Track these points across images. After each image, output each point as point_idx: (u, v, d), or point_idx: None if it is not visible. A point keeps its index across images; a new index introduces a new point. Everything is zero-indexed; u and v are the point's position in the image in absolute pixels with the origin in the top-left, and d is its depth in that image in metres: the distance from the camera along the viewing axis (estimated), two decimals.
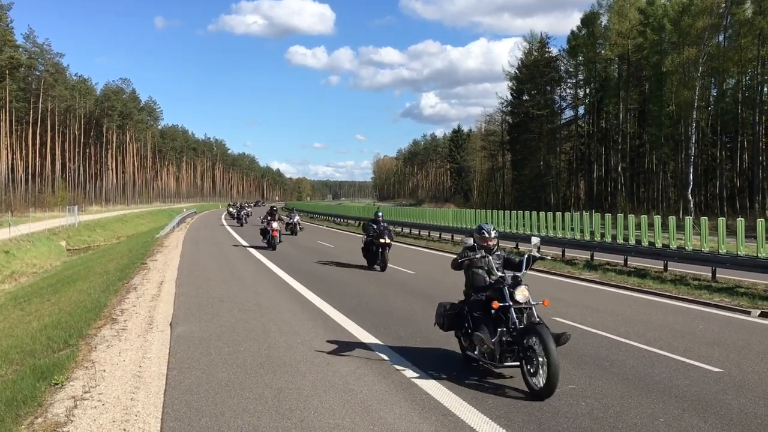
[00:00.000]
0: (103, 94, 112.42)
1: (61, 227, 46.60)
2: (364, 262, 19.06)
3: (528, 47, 79.96)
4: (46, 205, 73.82)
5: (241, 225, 45.61)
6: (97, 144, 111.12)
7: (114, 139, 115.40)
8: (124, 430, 5.43)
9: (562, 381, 6.51)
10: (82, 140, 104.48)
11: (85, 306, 12.39)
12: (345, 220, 53.57)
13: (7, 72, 76.61)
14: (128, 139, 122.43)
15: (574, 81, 75.57)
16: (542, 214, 24.38)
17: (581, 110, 76.07)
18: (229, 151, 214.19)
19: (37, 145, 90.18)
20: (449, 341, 8.96)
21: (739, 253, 15.48)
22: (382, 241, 18.40)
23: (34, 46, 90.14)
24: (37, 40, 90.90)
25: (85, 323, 10.14)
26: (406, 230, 37.07)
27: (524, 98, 79.07)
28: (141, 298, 12.59)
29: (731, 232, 17.08)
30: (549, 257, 12.33)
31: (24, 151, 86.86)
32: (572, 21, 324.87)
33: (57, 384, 6.66)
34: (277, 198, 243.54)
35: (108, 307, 11.64)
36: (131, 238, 45.24)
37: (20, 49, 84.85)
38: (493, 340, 6.79)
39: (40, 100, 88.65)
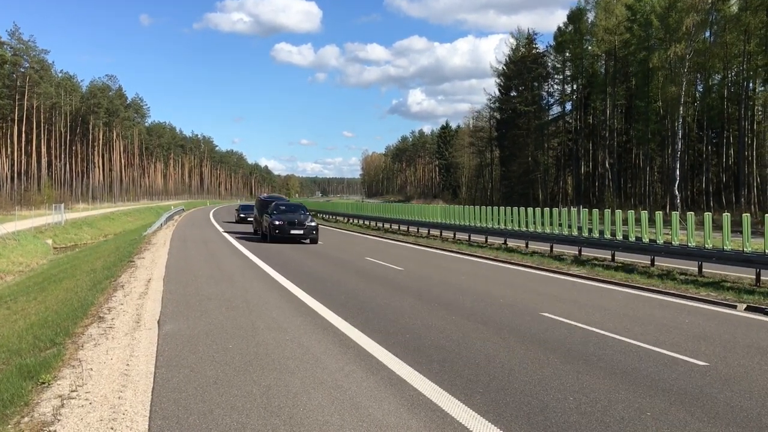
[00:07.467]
0: (89, 92, 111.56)
1: (48, 225, 46.21)
2: (353, 259, 19.02)
3: (515, 43, 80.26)
4: (32, 203, 73.12)
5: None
6: (84, 141, 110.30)
7: (100, 137, 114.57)
8: (112, 428, 5.40)
9: (550, 384, 6.61)
10: (68, 138, 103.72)
11: (72, 304, 12.30)
12: (334, 217, 53.57)
13: None
14: (115, 137, 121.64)
15: (561, 77, 75.91)
16: (530, 209, 24.45)
17: (568, 106, 76.43)
18: (217, 148, 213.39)
19: (23, 143, 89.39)
20: (428, 336, 8.99)
21: (725, 247, 15.60)
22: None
23: (19, 42, 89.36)
24: (22, 36, 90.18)
25: (72, 322, 10.07)
26: (395, 227, 37.10)
27: (512, 94, 79.32)
28: (128, 296, 12.52)
29: (717, 226, 17.21)
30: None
31: (9, 149, 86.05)
32: (556, 18, 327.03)
33: (44, 383, 6.60)
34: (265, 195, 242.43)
35: (95, 305, 11.56)
36: (118, 235, 44.96)
37: (5, 46, 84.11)
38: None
39: (26, 97, 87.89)
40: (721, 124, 58.43)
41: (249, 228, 35.55)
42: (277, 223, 26.63)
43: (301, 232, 26.65)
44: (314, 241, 26.79)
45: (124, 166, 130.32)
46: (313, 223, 27.29)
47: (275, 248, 24.20)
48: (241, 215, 45.71)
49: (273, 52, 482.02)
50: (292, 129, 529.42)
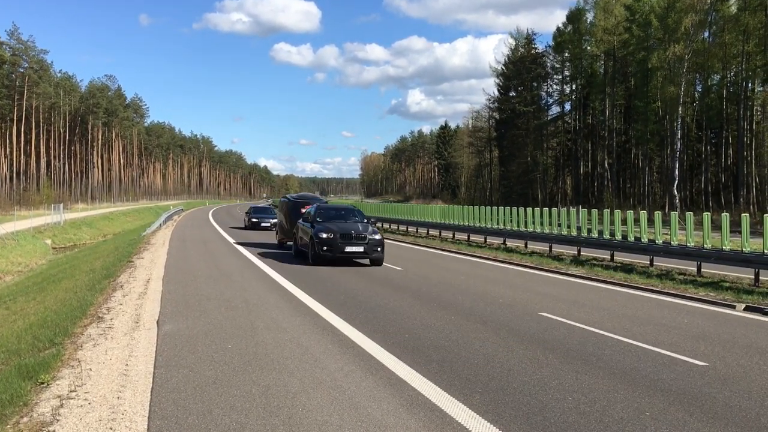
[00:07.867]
0: (88, 92, 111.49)
1: (47, 225, 46.17)
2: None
3: (514, 44, 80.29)
4: (31, 203, 73.01)
5: None
6: (83, 141, 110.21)
7: (100, 137, 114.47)
8: (111, 429, 5.40)
9: (548, 384, 6.66)
10: (67, 138, 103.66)
11: (71, 304, 12.30)
12: None
13: None
14: (114, 137, 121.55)
15: (560, 77, 75.93)
16: (529, 209, 24.45)
17: (567, 106, 76.51)
18: (216, 148, 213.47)
19: (22, 143, 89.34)
20: (427, 336, 8.99)
21: (724, 247, 15.61)
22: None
23: (18, 42, 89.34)
24: (21, 36, 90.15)
25: (71, 322, 10.06)
26: (394, 227, 37.10)
27: (511, 95, 79.33)
28: (127, 296, 12.51)
29: (716, 226, 17.25)
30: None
31: (8, 149, 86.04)
32: (555, 18, 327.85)
33: (43, 383, 6.60)
34: (264, 195, 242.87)
35: (94, 305, 11.56)
36: (118, 236, 44.94)
37: (4, 46, 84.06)
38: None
39: (25, 97, 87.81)
40: (720, 124, 58.43)
41: (265, 237, 30.33)
42: (324, 236, 18.22)
43: (361, 249, 18.36)
44: (378, 261, 18.68)
45: (123, 166, 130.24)
46: (377, 236, 18.84)
47: (274, 250, 24.19)
48: (253, 220, 38.17)
49: (272, 52, 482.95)
50: (291, 129, 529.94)
